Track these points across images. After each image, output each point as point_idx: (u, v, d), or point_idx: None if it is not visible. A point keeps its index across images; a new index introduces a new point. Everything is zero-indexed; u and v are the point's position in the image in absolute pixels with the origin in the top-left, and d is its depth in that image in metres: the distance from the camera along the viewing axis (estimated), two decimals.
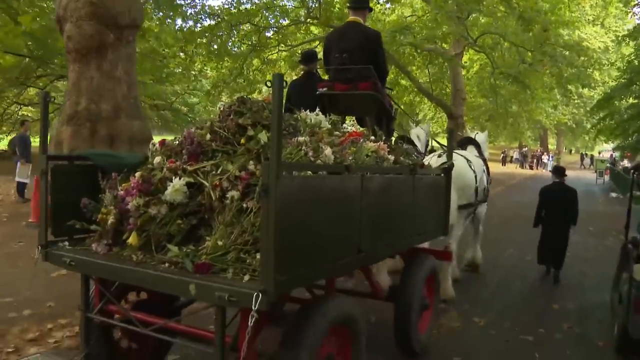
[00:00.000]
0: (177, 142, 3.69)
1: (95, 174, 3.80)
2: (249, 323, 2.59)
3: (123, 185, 3.51)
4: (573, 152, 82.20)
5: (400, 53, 23.76)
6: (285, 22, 23.58)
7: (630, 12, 27.86)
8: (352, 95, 5.09)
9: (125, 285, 3.63)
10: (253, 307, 2.53)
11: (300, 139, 3.30)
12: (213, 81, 26.37)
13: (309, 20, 22.31)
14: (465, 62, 28.06)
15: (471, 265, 7.86)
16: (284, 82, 2.60)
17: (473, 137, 7.90)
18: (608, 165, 34.80)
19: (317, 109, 4.19)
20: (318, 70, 5.97)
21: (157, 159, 3.58)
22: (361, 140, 3.96)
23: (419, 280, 4.53)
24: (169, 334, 3.41)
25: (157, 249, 3.22)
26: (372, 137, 4.26)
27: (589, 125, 35.26)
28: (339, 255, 3.26)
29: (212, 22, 22.19)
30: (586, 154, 55.44)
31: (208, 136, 3.48)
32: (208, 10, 22.53)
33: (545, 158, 47.30)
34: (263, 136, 3.29)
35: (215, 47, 22.41)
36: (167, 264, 3.03)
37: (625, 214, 6.39)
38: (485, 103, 30.67)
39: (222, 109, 3.77)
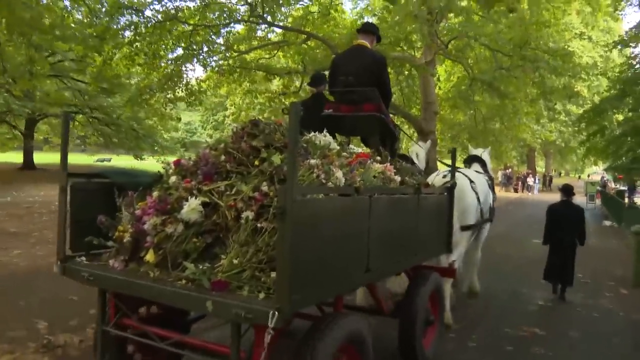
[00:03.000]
0: (191, 162, 3.80)
1: (112, 191, 3.91)
2: (265, 339, 2.68)
3: (139, 204, 3.61)
4: (562, 174, 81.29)
5: None
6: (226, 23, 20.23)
7: (620, 16, 25.59)
8: (357, 117, 5.21)
9: (137, 300, 3.73)
10: (269, 325, 2.62)
11: (312, 161, 3.40)
12: (138, 87, 23.48)
13: (252, 19, 19.82)
14: (441, 75, 25.86)
15: (470, 292, 7.81)
16: (300, 109, 2.71)
17: (479, 155, 7.97)
18: (599, 188, 32.29)
19: (325, 131, 4.30)
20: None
21: (173, 179, 3.68)
22: (368, 161, 4.07)
23: (424, 296, 4.63)
24: (183, 348, 3.50)
25: (173, 266, 3.31)
26: (378, 158, 4.38)
27: (578, 145, 32.05)
28: (348, 274, 3.36)
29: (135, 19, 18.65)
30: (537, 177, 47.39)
31: (222, 157, 3.59)
32: (126, 2, 18.31)
33: (530, 180, 43.33)
34: (276, 158, 3.40)
35: (138, 47, 18.81)
36: (184, 281, 3.12)
37: (624, 250, 6.41)
38: (464, 120, 27.92)
39: (234, 130, 3.87)
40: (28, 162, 32.26)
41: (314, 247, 2.90)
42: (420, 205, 4.41)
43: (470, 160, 7.98)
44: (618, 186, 31.30)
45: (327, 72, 5.88)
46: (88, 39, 18.61)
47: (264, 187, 3.29)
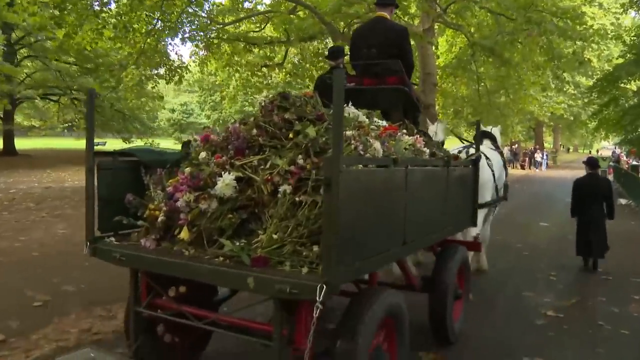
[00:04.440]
0: (220, 137, 3.70)
1: (138, 170, 3.82)
2: (315, 314, 2.61)
3: (170, 181, 3.53)
4: (571, 150, 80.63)
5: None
6: None
7: None
8: (380, 89, 5.12)
9: (167, 281, 3.67)
10: (318, 299, 2.56)
11: (349, 133, 3.32)
12: (105, 63, 22.54)
13: None
14: (442, 46, 24.37)
15: (478, 271, 7.69)
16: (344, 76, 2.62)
17: (489, 130, 7.88)
18: (611, 163, 30.02)
19: (346, 104, 4.20)
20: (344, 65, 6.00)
21: (202, 155, 3.59)
22: (399, 133, 3.99)
23: (453, 270, 4.58)
24: (219, 327, 3.43)
25: (208, 244, 3.24)
26: (404, 131, 4.30)
27: (588, 117, 30.14)
28: (387, 246, 3.30)
29: None
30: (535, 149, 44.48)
31: (254, 131, 3.49)
32: None
33: (538, 156, 40.89)
34: (311, 130, 3.31)
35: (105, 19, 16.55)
36: (221, 258, 3.05)
37: None
38: (468, 93, 25.65)
39: (263, 104, 3.77)
40: (9, 148, 30.80)
41: (357, 219, 2.83)
42: (450, 178, 4.35)
43: (481, 136, 7.88)
44: (631, 161, 29.06)
45: (333, 45, 5.75)
46: (44, 8, 16.50)
47: (300, 160, 3.21)
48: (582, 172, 8.65)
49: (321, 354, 2.91)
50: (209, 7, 19.22)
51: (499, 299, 6.37)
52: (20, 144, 33.59)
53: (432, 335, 4.62)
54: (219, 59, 21.27)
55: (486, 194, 6.26)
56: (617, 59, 22.19)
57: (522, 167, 40.24)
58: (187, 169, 3.46)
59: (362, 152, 3.21)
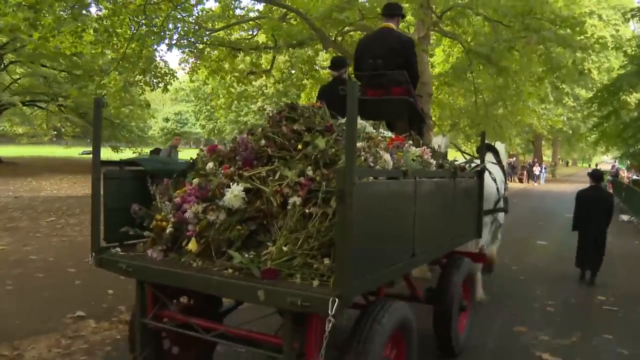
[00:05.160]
0: (227, 148, 3.69)
1: (144, 179, 3.80)
2: (327, 328, 2.59)
3: (177, 192, 3.51)
4: (570, 164, 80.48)
5: (348, 40, 18.94)
6: None
7: None
8: (385, 100, 5.11)
9: (172, 292, 3.65)
10: (330, 312, 2.54)
11: (359, 144, 3.31)
12: (85, 68, 21.48)
13: None
14: (439, 56, 23.73)
15: (488, 262, 7.70)
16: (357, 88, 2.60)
17: (493, 144, 7.88)
18: (610, 177, 29.79)
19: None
20: (347, 76, 5.99)
21: (210, 165, 3.58)
22: (406, 144, 3.98)
23: (458, 282, 4.57)
24: (226, 339, 3.40)
25: (216, 255, 3.21)
26: (410, 142, 4.29)
27: (587, 130, 28.26)
28: (398, 259, 3.29)
29: None
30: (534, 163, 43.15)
31: (262, 142, 3.48)
32: None
33: (537, 170, 39.98)
34: (320, 142, 3.30)
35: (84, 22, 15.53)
36: (230, 270, 3.02)
37: None
38: (465, 104, 24.99)
39: (270, 114, 3.76)
40: None
41: (369, 232, 2.82)
42: (457, 189, 4.35)
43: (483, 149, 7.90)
44: (632, 175, 28.51)
45: (331, 55, 5.75)
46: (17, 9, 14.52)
47: (309, 172, 3.20)
48: (581, 186, 8.57)
49: None
50: (197, 12, 18.54)
51: (485, 336, 5.38)
52: (8, 151, 33.07)
53: (437, 345, 4.59)
54: (208, 67, 20.49)
55: (490, 207, 6.28)
56: (618, 69, 21.40)
57: (520, 181, 39.52)
58: (195, 180, 3.44)
59: (372, 164, 3.20)
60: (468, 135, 26.47)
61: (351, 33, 18.94)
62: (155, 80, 19.90)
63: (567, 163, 78.54)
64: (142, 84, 20.42)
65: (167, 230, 3.33)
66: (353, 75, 5.67)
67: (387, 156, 3.25)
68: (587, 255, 7.98)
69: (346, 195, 2.54)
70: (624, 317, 6.34)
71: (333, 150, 3.30)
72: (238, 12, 20.16)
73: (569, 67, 17.63)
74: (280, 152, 3.44)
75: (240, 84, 21.73)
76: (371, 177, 3.02)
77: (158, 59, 19.04)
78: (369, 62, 5.19)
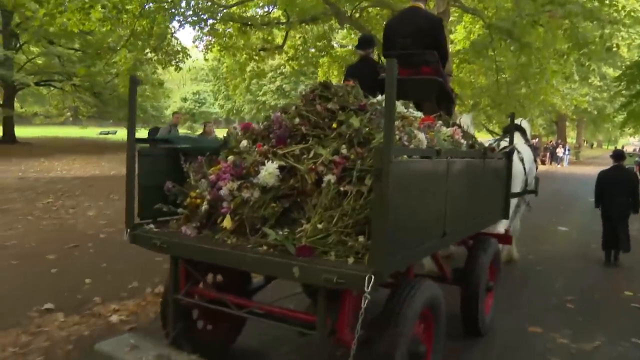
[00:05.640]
0: (261, 126, 3.72)
1: (177, 157, 3.85)
2: (363, 304, 2.63)
3: (212, 169, 3.55)
4: (595, 146, 78.55)
5: (365, 16, 18.28)
6: None
7: None
8: (415, 80, 5.10)
9: (204, 269, 3.71)
10: (366, 289, 2.57)
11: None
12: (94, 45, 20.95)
13: None
14: (460, 33, 22.23)
15: (507, 260, 7.59)
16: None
17: (519, 123, 7.83)
18: (637, 159, 28.41)
19: (379, 95, 4.19)
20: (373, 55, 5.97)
21: (244, 143, 3.61)
22: (437, 124, 3.98)
23: (485, 263, 4.59)
24: (258, 316, 3.46)
25: (250, 232, 3.26)
26: (440, 122, 4.28)
27: (614, 111, 26.26)
28: (429, 237, 3.32)
29: None
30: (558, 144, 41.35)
31: (296, 120, 3.50)
32: None
33: (560, 151, 38.48)
34: (355, 121, 3.32)
35: None
36: (265, 247, 3.06)
37: None
38: (487, 84, 23.52)
39: (304, 93, 3.78)
40: (8, 135, 29.81)
41: (404, 210, 2.85)
42: (486, 170, 4.35)
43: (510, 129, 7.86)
44: None
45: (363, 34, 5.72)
46: None
47: (344, 150, 3.22)
48: (605, 168, 8.37)
49: (360, 344, 2.92)
50: None
51: (494, 338, 4.84)
52: (24, 132, 32.86)
53: (462, 326, 4.62)
54: (219, 44, 19.71)
55: (516, 187, 6.25)
56: None
57: (543, 163, 37.06)
58: (230, 157, 3.48)
59: (406, 143, 3.21)
60: (489, 116, 25.74)
61: (369, 9, 18.49)
62: (167, 58, 19.28)
63: (592, 145, 76.94)
64: (154, 62, 19.99)
65: (203, 207, 3.38)
66: (382, 55, 5.65)
67: (421, 135, 3.27)
68: (611, 236, 7.94)
69: (383, 173, 2.56)
70: None
71: (367, 129, 3.32)
72: None
73: (596, 42, 16.42)
74: (314, 131, 3.46)
75: (253, 62, 21.15)
76: (405, 156, 3.03)
77: (169, 36, 18.33)
78: (397, 41, 5.18)
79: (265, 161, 3.30)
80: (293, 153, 3.38)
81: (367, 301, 2.62)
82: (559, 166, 37.04)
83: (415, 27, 5.14)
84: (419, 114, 4.30)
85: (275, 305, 3.46)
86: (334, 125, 3.39)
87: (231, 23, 18.63)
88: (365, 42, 5.88)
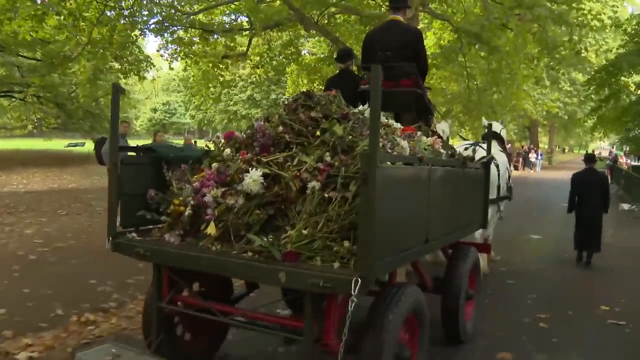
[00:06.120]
0: (244, 135, 3.75)
1: (160, 166, 3.85)
2: (350, 308, 2.66)
3: (196, 176, 3.56)
4: (567, 150, 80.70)
5: (332, 22, 17.83)
6: None
7: None
8: (394, 92, 5.16)
9: (188, 277, 3.70)
10: (353, 293, 2.60)
11: None
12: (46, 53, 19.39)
13: None
14: (430, 40, 21.67)
15: (489, 261, 7.77)
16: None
17: (499, 131, 7.98)
18: (609, 162, 29.11)
19: (360, 105, 4.25)
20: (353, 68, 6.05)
21: (227, 151, 3.64)
22: (417, 134, 4.05)
23: (465, 271, 4.65)
24: (243, 322, 3.47)
25: (234, 239, 3.27)
26: (419, 132, 4.36)
27: (585, 116, 26.89)
28: (413, 243, 3.37)
29: None
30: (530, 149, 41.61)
31: (280, 128, 3.54)
32: None
33: (532, 157, 38.89)
34: (338, 129, 3.37)
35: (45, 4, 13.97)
36: (250, 253, 3.08)
37: None
38: (457, 90, 23.50)
39: (286, 102, 3.83)
40: None
41: (389, 215, 2.90)
42: (465, 179, 4.45)
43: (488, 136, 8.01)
44: (630, 162, 27.54)
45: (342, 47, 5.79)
46: None
47: (327, 158, 3.27)
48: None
49: (346, 350, 2.94)
50: None
51: None
52: None
53: (445, 334, 4.66)
54: (180, 52, 18.72)
55: (492, 194, 6.37)
56: (617, 49, 19.93)
57: (516, 168, 36.86)
58: (214, 165, 3.50)
59: (389, 150, 3.27)
60: (462, 122, 25.62)
61: (337, 16, 18.00)
62: (130, 68, 18.12)
63: (564, 150, 79.04)
64: (115, 71, 19.04)
65: (186, 213, 3.38)
66: (360, 68, 5.73)
67: (404, 143, 3.34)
68: (584, 237, 8.30)
69: (369, 178, 2.61)
70: (633, 333, 5.27)
71: (350, 137, 3.37)
72: None
73: (565, 46, 16.63)
74: (298, 139, 3.50)
75: (217, 70, 20.17)
76: (388, 162, 3.09)
77: (130, 45, 17.20)
78: (378, 54, 5.25)
79: (250, 169, 3.33)
80: (277, 161, 3.41)
81: (354, 304, 2.65)
82: (531, 171, 37.35)
83: (396, 40, 5.23)
84: (398, 125, 4.38)
85: (261, 312, 3.46)
86: (318, 133, 3.44)
87: (192, 30, 18.00)
88: (344, 55, 5.96)
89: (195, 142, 14.13)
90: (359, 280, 2.60)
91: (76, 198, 14.83)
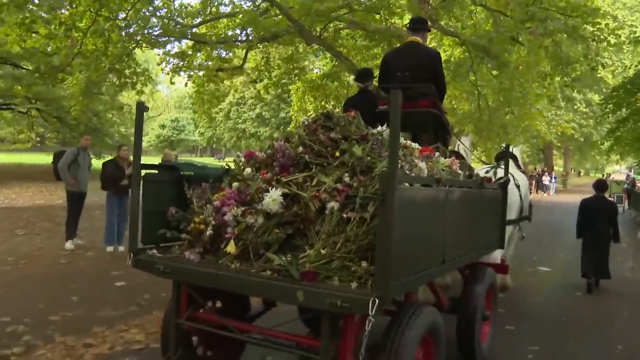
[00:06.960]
0: (264, 154, 3.82)
1: (181, 183, 3.93)
2: (367, 327, 2.69)
3: (216, 195, 3.63)
4: (582, 174, 79.20)
5: (335, 35, 17.16)
6: None
7: None
8: (412, 113, 5.21)
9: (206, 294, 3.75)
10: (370, 313, 2.64)
11: None
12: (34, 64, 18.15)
13: None
14: (442, 55, 20.88)
15: (502, 288, 7.11)
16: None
17: (511, 150, 7.99)
18: (627, 186, 27.95)
19: (379, 126, 4.30)
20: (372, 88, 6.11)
21: (247, 171, 3.70)
22: (435, 155, 4.09)
23: (481, 292, 4.65)
24: (262, 341, 3.51)
25: (253, 258, 3.33)
26: (437, 153, 4.40)
27: (601, 138, 25.49)
28: (430, 264, 3.40)
29: None
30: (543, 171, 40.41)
31: (300, 149, 3.60)
32: None
33: (546, 179, 37.74)
34: (357, 150, 3.43)
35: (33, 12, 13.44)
36: (269, 272, 3.13)
37: None
38: (468, 110, 22.15)
39: (306, 123, 3.89)
40: None
41: (407, 236, 2.94)
42: (483, 200, 4.47)
43: (502, 156, 8.01)
44: None
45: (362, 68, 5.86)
46: None
47: (346, 178, 3.32)
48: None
49: None
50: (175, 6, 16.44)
51: None
52: None
53: (460, 355, 4.65)
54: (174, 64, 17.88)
55: (512, 214, 6.38)
56: (636, 65, 18.87)
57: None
58: (235, 184, 3.56)
59: (407, 172, 3.31)
60: (474, 143, 25.21)
61: (343, 30, 17.45)
62: (126, 81, 17.40)
63: (579, 173, 78.20)
64: (113, 84, 18.45)
65: (207, 233, 3.45)
66: (378, 88, 5.79)
67: (422, 164, 3.39)
68: (591, 264, 8.22)
69: (388, 199, 2.66)
70: None
71: (369, 158, 3.43)
72: (223, 9, 17.89)
73: (580, 61, 15.74)
74: (318, 159, 3.57)
75: (212, 84, 19.28)
76: (406, 183, 3.13)
77: (125, 57, 16.20)
78: (396, 75, 5.32)
79: (269, 188, 3.39)
80: (296, 181, 3.47)
81: (371, 324, 2.69)
82: (545, 194, 36.55)
83: (415, 62, 5.30)
84: (416, 146, 4.42)
85: (278, 330, 3.50)
86: (337, 154, 3.50)
87: (186, 43, 17.48)
88: (364, 75, 6.04)
89: (176, 156, 13.60)
90: (377, 300, 2.64)
91: (48, 216, 14.01)
